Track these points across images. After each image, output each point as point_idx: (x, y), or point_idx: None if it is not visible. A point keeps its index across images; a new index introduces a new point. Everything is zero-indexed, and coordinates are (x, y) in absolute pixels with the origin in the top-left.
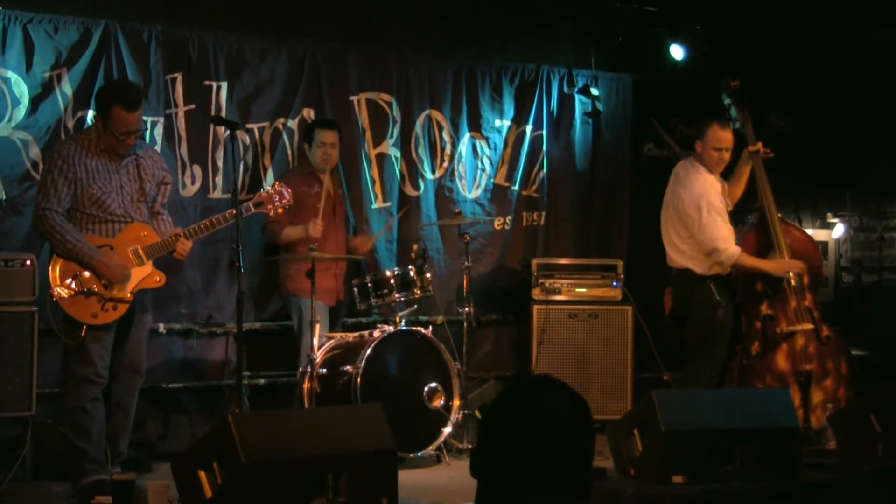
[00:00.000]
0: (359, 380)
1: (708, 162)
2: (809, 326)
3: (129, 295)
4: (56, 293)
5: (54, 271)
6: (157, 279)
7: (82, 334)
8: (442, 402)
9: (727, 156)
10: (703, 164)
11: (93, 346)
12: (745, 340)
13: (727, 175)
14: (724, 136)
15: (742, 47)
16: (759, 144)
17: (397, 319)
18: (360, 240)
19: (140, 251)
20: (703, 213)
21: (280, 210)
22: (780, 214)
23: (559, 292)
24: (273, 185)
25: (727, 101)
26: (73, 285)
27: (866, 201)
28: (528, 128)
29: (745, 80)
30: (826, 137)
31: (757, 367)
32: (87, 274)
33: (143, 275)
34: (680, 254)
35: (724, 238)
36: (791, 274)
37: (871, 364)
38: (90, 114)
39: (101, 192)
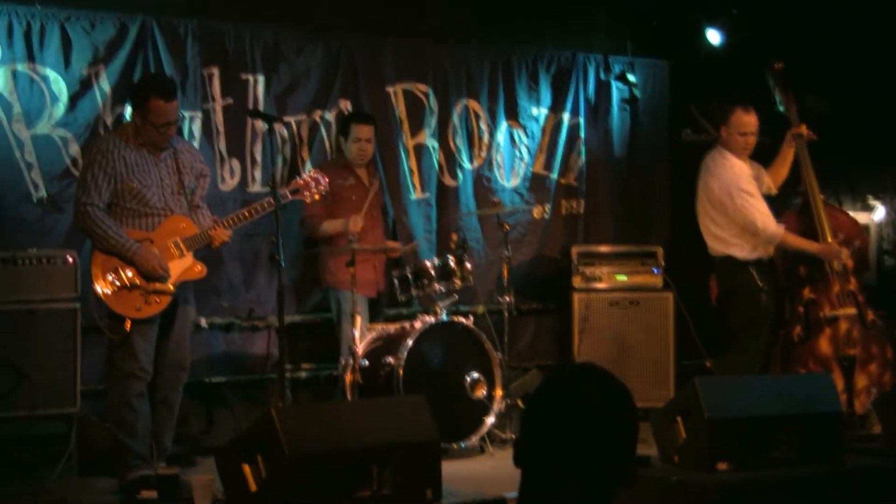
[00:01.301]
0: (401, 371)
1: (734, 147)
2: (853, 311)
3: (171, 287)
4: (99, 289)
5: (96, 267)
6: (199, 270)
7: (127, 328)
8: (484, 392)
9: (753, 140)
10: (730, 150)
11: (137, 340)
12: (787, 325)
13: (770, 159)
14: (748, 120)
15: (779, 29)
16: (804, 127)
17: (438, 310)
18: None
19: (180, 243)
20: (735, 198)
21: (317, 196)
22: (822, 197)
23: (600, 280)
24: (309, 173)
25: (771, 83)
26: (116, 280)
27: None
28: (566, 115)
29: (782, 61)
30: (864, 119)
31: (800, 351)
32: (128, 268)
33: (185, 266)
34: (719, 241)
35: (763, 218)
36: (839, 256)
37: None
38: (128, 109)
39: (141, 185)
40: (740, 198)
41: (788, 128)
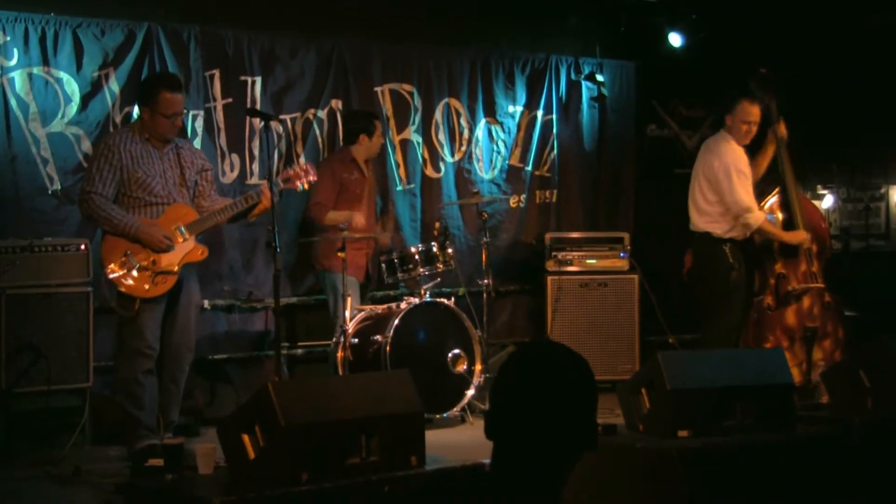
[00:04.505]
0: (388, 348)
1: (737, 134)
2: (821, 285)
3: (175, 268)
4: (110, 272)
5: (107, 252)
6: (200, 252)
7: (136, 307)
8: (465, 366)
9: (755, 129)
10: (732, 136)
11: (144, 319)
12: (759, 294)
13: (753, 152)
14: (752, 110)
15: (735, 31)
16: (783, 126)
17: (422, 292)
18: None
19: (183, 228)
20: (734, 177)
21: (307, 186)
22: (798, 191)
23: (571, 263)
24: (299, 164)
25: (752, 85)
26: (125, 263)
27: (852, 173)
28: (540, 112)
29: (736, 62)
30: (812, 115)
31: (770, 320)
32: (136, 252)
33: (187, 249)
34: (703, 216)
35: (751, 201)
36: (804, 242)
37: (861, 324)
38: (136, 109)
39: (146, 174)
40: (738, 177)
41: (769, 125)
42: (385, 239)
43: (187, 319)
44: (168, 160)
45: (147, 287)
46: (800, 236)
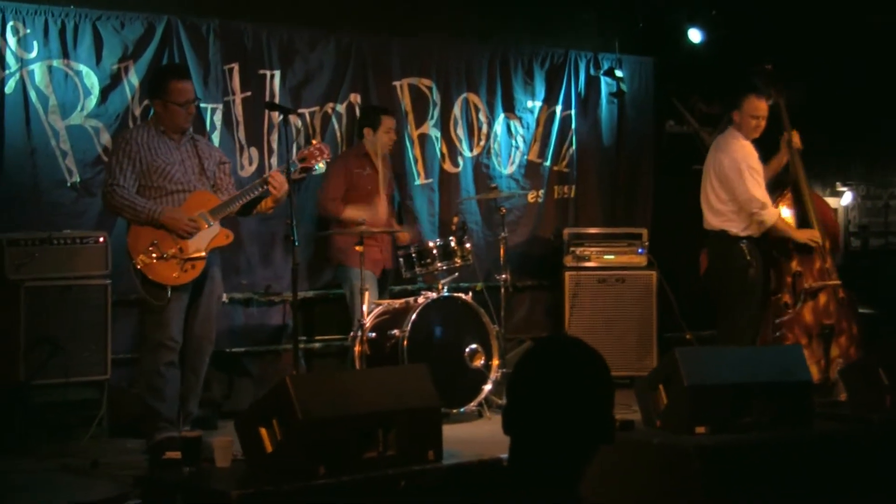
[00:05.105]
0: (405, 342)
1: (745, 130)
2: (837, 282)
3: (203, 253)
4: (139, 262)
5: (134, 242)
6: (226, 237)
7: (168, 296)
8: (482, 361)
9: (763, 123)
10: (741, 132)
11: (169, 311)
12: (776, 292)
13: (766, 158)
14: (760, 105)
15: (755, 27)
16: (796, 135)
17: (440, 286)
18: (404, 234)
19: (207, 214)
20: (745, 174)
21: (321, 164)
22: (810, 190)
23: (589, 259)
24: (313, 143)
25: (759, 82)
26: (153, 252)
27: (871, 170)
28: (558, 108)
29: (756, 55)
30: (833, 110)
31: (787, 318)
32: (163, 240)
33: (213, 234)
34: (716, 215)
35: (764, 197)
36: (815, 241)
37: (880, 321)
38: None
39: (165, 163)
40: (749, 173)
41: (780, 129)
42: (405, 235)
43: (209, 310)
44: (186, 150)
45: (176, 275)
46: (812, 234)
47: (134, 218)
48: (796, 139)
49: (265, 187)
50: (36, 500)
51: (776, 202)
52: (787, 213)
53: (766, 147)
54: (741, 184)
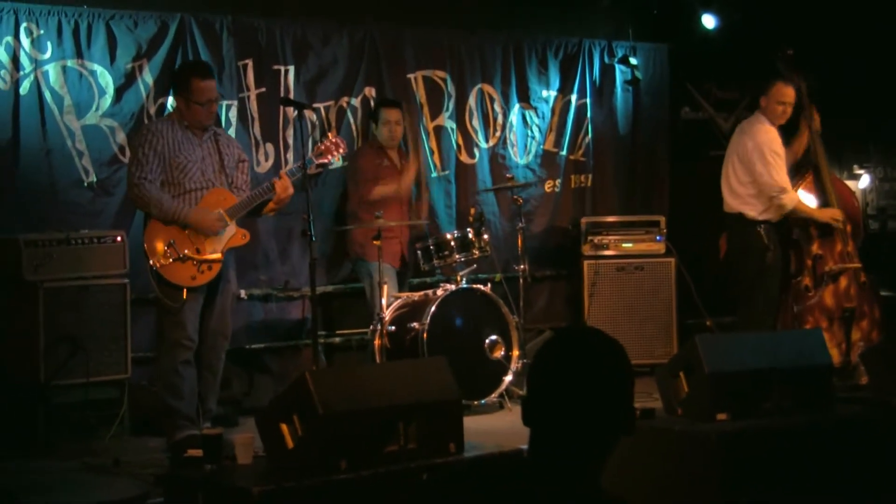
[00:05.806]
0: (425, 335)
1: (771, 116)
2: (858, 265)
3: (220, 255)
4: (156, 262)
5: (151, 243)
6: (242, 236)
7: (184, 297)
8: (502, 352)
9: (790, 110)
10: (767, 118)
11: (186, 311)
12: (796, 276)
13: (787, 138)
14: (787, 92)
15: (770, 12)
16: (816, 118)
17: (458, 278)
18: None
19: (223, 213)
20: (768, 158)
21: (337, 158)
22: (830, 173)
23: (607, 248)
24: (328, 137)
25: (780, 67)
26: (170, 253)
27: (889, 153)
28: (573, 97)
29: (773, 42)
30: (849, 94)
31: (808, 301)
32: (180, 241)
33: (230, 234)
34: (736, 197)
35: (785, 182)
36: (837, 220)
37: None
38: (170, 100)
39: (186, 160)
40: (772, 158)
41: (801, 111)
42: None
43: (224, 308)
44: (207, 147)
45: (193, 276)
46: (833, 213)
47: (159, 213)
48: (816, 121)
49: (272, 192)
50: (58, 499)
51: (797, 185)
52: (808, 196)
53: (786, 130)
54: (763, 167)
